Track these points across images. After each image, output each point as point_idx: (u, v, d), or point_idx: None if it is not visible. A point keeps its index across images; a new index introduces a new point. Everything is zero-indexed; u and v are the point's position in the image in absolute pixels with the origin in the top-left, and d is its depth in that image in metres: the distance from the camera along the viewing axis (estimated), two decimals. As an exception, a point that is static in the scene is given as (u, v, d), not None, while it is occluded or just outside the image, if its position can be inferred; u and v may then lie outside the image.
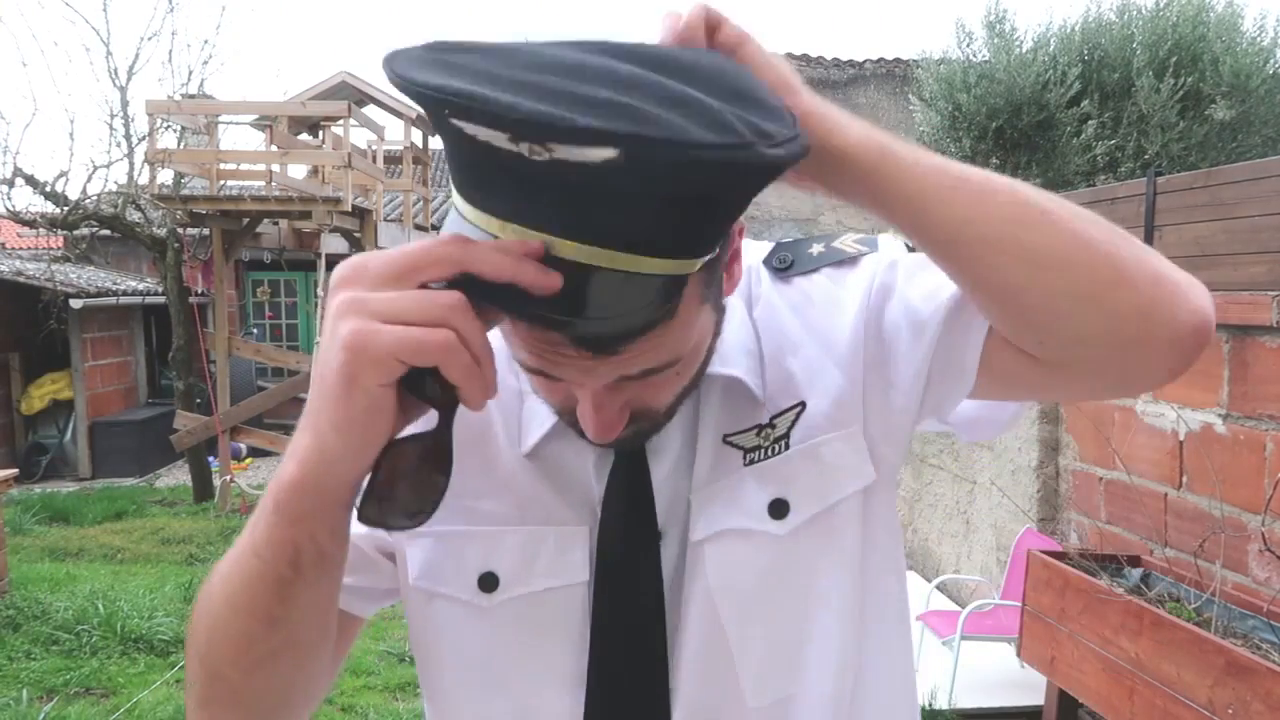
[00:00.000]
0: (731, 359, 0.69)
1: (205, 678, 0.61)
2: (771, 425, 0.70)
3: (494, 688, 0.70)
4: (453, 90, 0.46)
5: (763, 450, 0.69)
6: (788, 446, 0.69)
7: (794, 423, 0.69)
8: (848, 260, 0.73)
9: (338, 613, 0.63)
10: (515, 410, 0.70)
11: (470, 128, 0.46)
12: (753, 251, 0.75)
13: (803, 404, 0.70)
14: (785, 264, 0.74)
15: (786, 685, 0.70)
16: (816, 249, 0.74)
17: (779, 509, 0.69)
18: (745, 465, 0.69)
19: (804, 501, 0.69)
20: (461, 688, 0.72)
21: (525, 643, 0.69)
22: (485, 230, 0.51)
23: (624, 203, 0.48)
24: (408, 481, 0.55)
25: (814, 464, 0.69)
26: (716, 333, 0.65)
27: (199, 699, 0.62)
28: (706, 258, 0.54)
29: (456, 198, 0.54)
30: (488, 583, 0.69)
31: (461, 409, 0.56)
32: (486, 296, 0.51)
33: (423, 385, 0.53)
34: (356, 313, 0.50)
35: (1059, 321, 0.60)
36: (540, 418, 0.68)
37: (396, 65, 0.49)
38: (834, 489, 0.70)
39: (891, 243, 0.75)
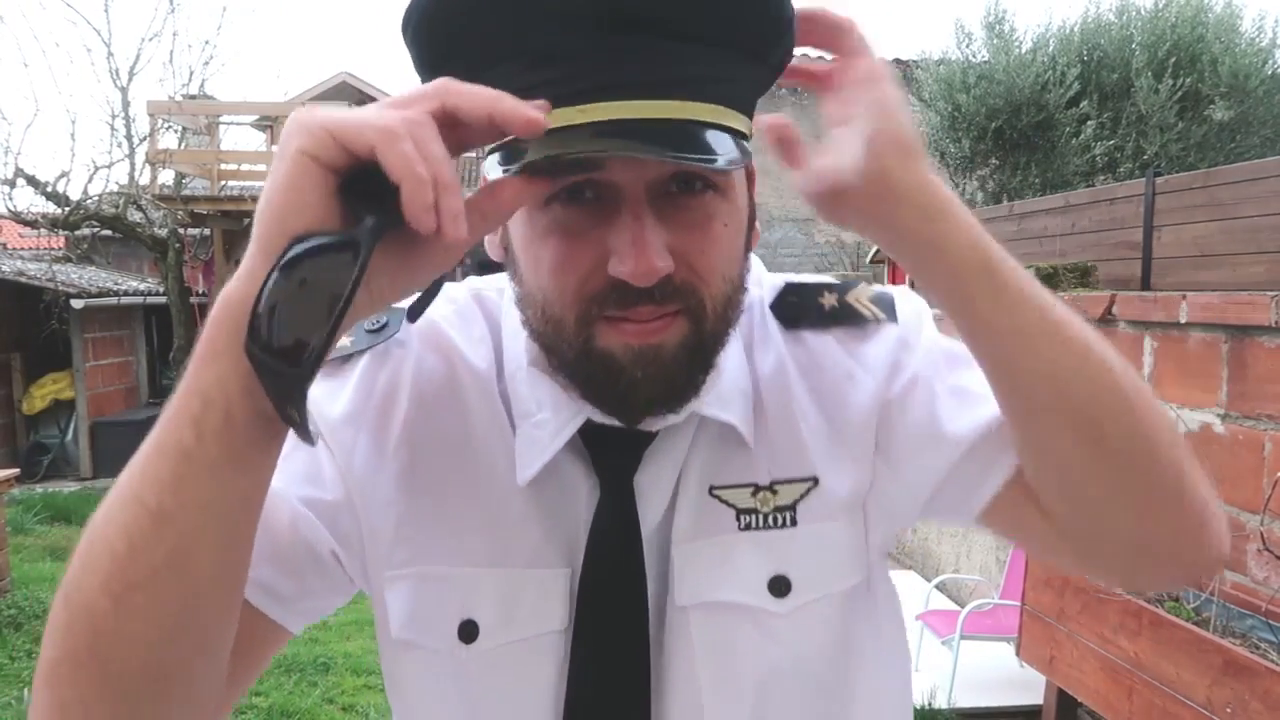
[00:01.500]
0: (727, 401, 0.64)
1: (65, 621, 0.50)
2: (773, 490, 0.65)
3: None
4: None
5: (760, 516, 0.65)
6: (794, 522, 0.65)
7: (802, 497, 0.65)
8: (863, 325, 0.68)
9: (248, 586, 0.55)
10: (507, 443, 0.65)
11: None
12: (757, 276, 0.70)
13: (815, 480, 0.65)
14: (794, 313, 0.69)
15: None
16: (829, 301, 0.69)
17: (780, 586, 0.64)
18: (740, 529, 0.65)
19: (806, 584, 0.65)
20: None
21: (502, 690, 0.65)
22: (558, 126, 0.50)
23: (681, 35, 0.51)
24: (299, 296, 0.45)
25: (821, 549, 0.65)
26: (748, 249, 0.62)
27: (51, 659, 0.51)
28: (746, 126, 0.56)
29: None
30: (467, 632, 0.65)
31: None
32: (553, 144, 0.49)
33: (363, 188, 0.46)
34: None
35: (1100, 511, 0.57)
36: (540, 446, 0.63)
37: None
38: (837, 579, 0.66)
39: (910, 304, 0.71)
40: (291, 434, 0.49)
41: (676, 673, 0.65)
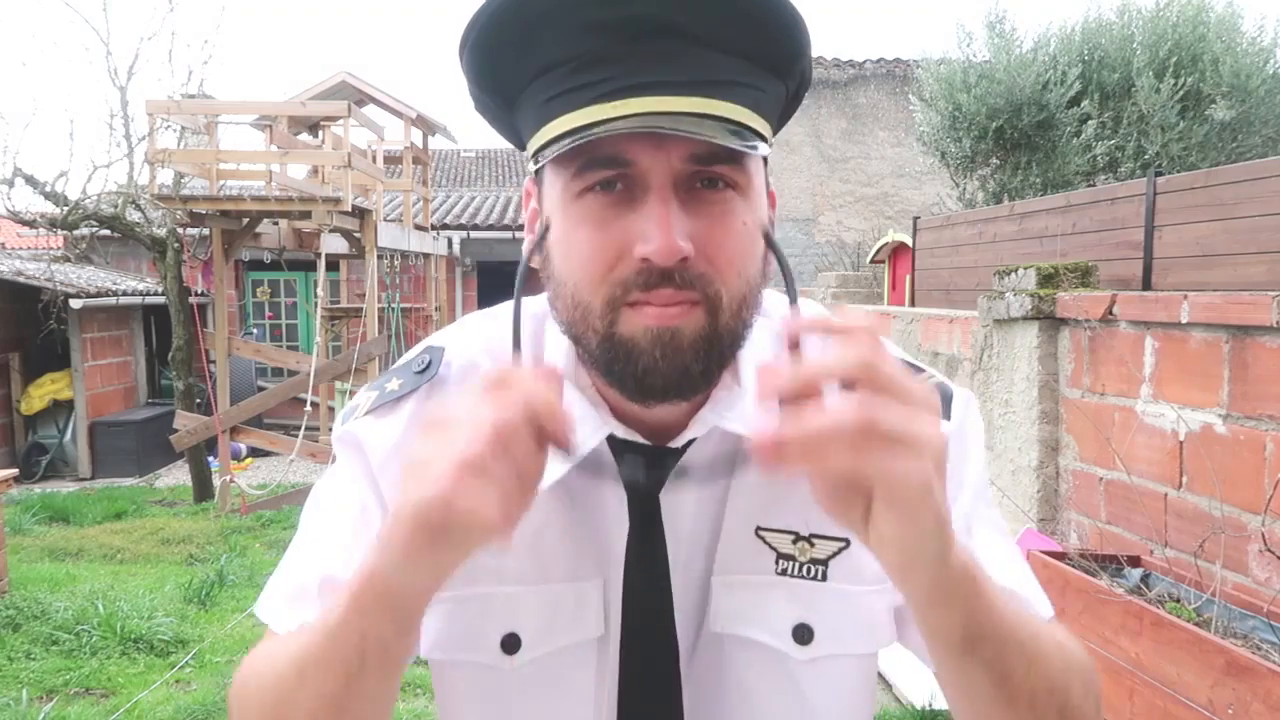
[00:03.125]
0: (750, 418, 0.65)
1: None
2: (810, 542, 0.69)
3: None
4: None
5: (796, 565, 0.69)
6: (825, 578, 0.69)
7: (835, 555, 0.69)
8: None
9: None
10: None
11: None
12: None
13: (847, 541, 0.68)
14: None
15: None
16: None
17: (803, 634, 0.69)
18: (776, 573, 0.69)
19: (827, 638, 0.69)
20: None
21: (545, 697, 0.70)
22: (595, 121, 0.56)
23: (705, 41, 0.57)
24: None
25: (847, 609, 0.69)
26: (764, 266, 0.64)
27: None
28: (769, 131, 0.61)
29: (550, 133, 0.59)
30: (510, 644, 0.69)
31: None
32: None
33: None
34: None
35: None
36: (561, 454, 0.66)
37: None
38: (856, 641, 0.70)
39: (967, 413, 0.72)
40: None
41: (707, 693, 0.70)
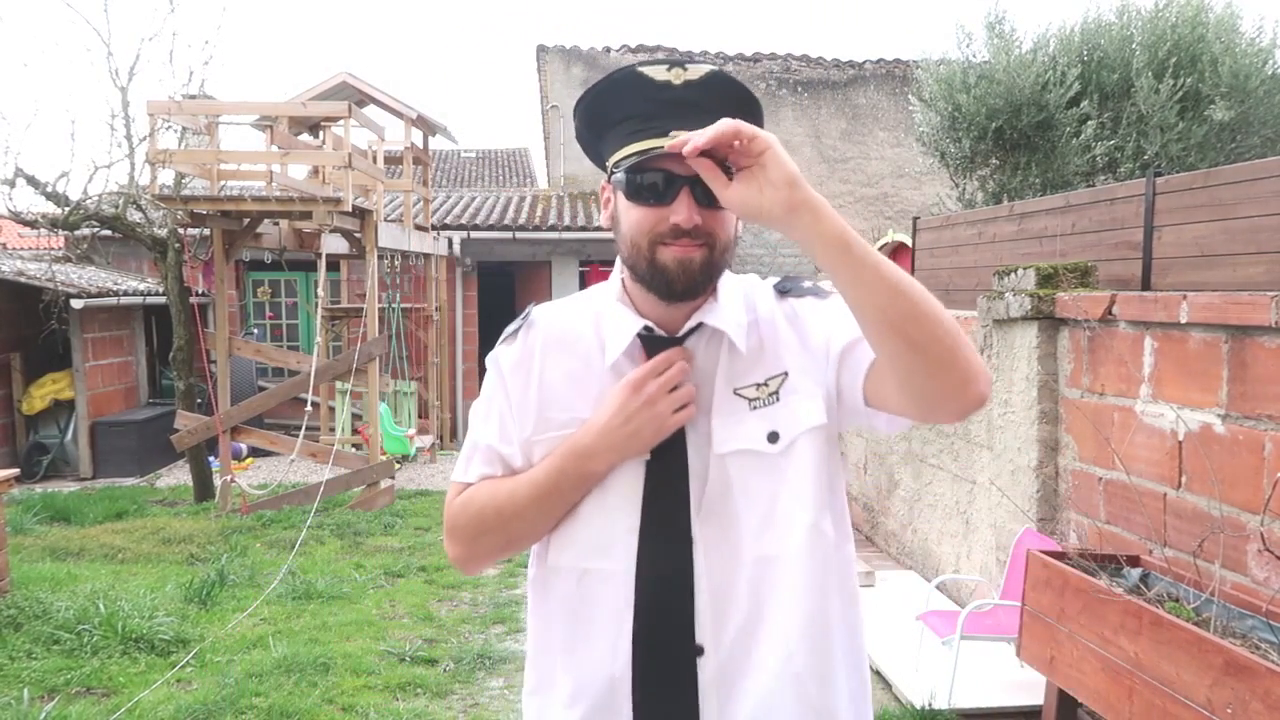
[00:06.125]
0: (726, 321, 1.15)
1: (495, 521, 1.15)
2: (766, 384, 1.15)
3: (582, 527, 1.15)
4: (646, 59, 1.03)
5: (762, 400, 1.14)
6: (777, 399, 1.14)
7: (781, 384, 1.15)
8: (826, 295, 1.20)
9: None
10: (602, 349, 1.16)
11: (650, 70, 1.05)
12: (769, 281, 1.27)
13: (786, 373, 1.15)
14: (785, 289, 1.23)
15: (771, 546, 1.12)
16: (807, 284, 1.24)
17: (773, 437, 1.13)
18: (750, 409, 1.14)
19: (787, 431, 1.13)
20: (561, 527, 1.17)
21: (606, 499, 1.14)
22: (649, 148, 1.04)
23: (707, 110, 1.01)
24: None
25: (791, 411, 1.14)
26: (735, 236, 1.14)
27: (474, 524, 1.16)
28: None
29: (622, 154, 1.08)
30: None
31: None
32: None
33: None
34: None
35: (912, 372, 1.00)
36: (618, 340, 1.14)
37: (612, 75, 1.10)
38: (801, 423, 1.14)
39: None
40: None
41: (711, 489, 1.12)
